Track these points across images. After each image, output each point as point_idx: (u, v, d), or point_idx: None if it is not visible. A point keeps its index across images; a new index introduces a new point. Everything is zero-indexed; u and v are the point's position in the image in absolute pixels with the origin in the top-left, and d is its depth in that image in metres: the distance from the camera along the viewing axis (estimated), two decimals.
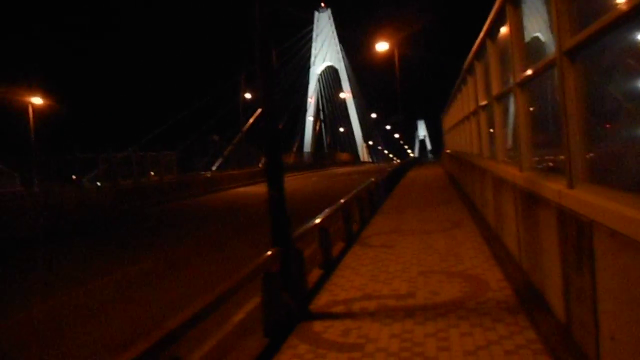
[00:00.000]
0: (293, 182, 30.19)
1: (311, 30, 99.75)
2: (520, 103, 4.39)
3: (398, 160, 53.92)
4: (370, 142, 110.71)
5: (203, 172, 34.76)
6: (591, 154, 2.77)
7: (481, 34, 6.31)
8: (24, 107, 35.37)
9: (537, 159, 4.31)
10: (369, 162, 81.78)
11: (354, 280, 5.21)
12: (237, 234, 10.73)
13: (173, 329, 2.53)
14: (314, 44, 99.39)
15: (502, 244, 5.59)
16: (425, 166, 40.57)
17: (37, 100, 35.34)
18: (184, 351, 2.97)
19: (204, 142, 44.41)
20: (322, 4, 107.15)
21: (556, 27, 2.95)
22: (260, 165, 45.05)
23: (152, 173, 27.62)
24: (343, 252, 6.63)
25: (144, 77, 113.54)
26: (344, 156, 77.73)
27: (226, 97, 47.95)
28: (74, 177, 24.37)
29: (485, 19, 5.75)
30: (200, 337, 3.83)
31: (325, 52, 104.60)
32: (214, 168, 38.15)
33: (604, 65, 2.93)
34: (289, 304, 4.13)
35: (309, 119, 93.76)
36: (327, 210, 6.53)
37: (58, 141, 44.00)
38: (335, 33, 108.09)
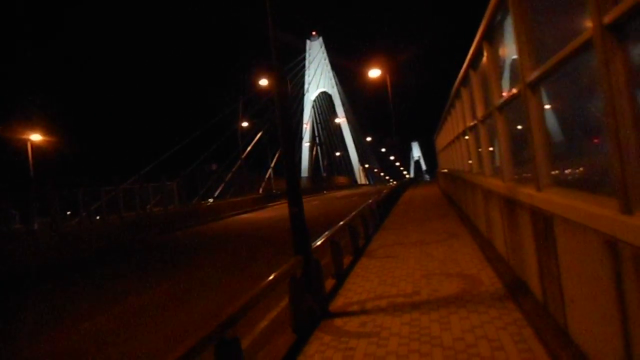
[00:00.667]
0: (308, 204, 30.84)
1: (304, 58, 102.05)
2: (499, 124, 5.17)
3: (394, 182, 54.76)
4: (367, 165, 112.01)
5: (204, 201, 35.39)
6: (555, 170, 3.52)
7: (464, 65, 7.16)
8: (23, 144, 36.18)
9: (516, 173, 5.06)
10: (366, 185, 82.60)
11: (364, 285, 5.89)
12: (249, 257, 11.37)
13: (231, 314, 3.21)
14: (307, 71, 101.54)
15: (493, 248, 6.31)
16: (421, 186, 41.43)
17: (35, 137, 36.19)
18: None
19: (203, 171, 45.19)
20: (314, 33, 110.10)
21: (520, 65, 3.75)
22: (260, 191, 45.83)
23: (148, 206, 28.06)
24: (352, 264, 7.31)
25: (140, 108, 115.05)
26: (342, 180, 78.67)
27: (222, 126, 49.05)
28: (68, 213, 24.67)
29: (469, 48, 6.57)
30: (245, 331, 4.48)
31: (319, 79, 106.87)
32: (215, 195, 38.74)
33: (560, 93, 3.71)
34: (312, 305, 4.80)
35: (305, 144, 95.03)
36: (336, 226, 7.24)
37: (59, 176, 44.50)
38: (327, 60, 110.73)
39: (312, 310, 4.77)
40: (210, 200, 36.20)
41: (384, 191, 18.95)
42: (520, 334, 3.59)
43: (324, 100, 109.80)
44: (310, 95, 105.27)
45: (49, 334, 6.28)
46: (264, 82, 35.40)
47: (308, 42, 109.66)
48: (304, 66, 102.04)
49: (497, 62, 5.31)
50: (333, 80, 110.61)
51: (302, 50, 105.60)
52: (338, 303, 5.26)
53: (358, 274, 6.59)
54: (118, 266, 12.64)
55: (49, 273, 12.59)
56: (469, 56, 6.54)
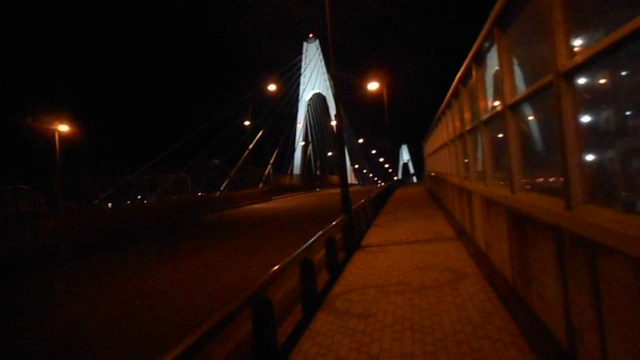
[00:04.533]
0: (303, 199, 34.86)
1: (300, 60, 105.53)
2: (483, 137, 5.93)
3: (382, 183, 57.80)
4: (357, 166, 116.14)
5: (213, 192, 39.05)
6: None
7: (455, 81, 7.99)
8: (50, 134, 39.48)
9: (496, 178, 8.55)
10: (356, 185, 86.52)
11: (376, 236, 9.85)
12: (277, 234, 15.26)
13: (265, 280, 7.11)
14: (302, 73, 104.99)
15: (457, 223, 10.29)
16: (409, 187, 45.60)
17: (63, 128, 39.55)
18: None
19: (205, 165, 48.72)
20: (311, 35, 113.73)
21: (502, 89, 4.50)
22: (260, 185, 49.52)
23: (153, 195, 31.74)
24: (366, 229, 11.24)
25: (148, 103, 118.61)
26: (335, 178, 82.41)
27: (223, 123, 52.62)
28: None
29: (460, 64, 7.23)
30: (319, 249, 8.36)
31: (314, 81, 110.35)
32: (222, 187, 42.32)
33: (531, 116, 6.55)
34: (354, 240, 8.75)
35: (299, 143, 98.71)
36: (358, 203, 11.18)
37: (76, 163, 47.64)
38: (323, 62, 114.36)
39: (354, 242, 8.73)
40: (218, 192, 39.88)
41: (375, 191, 22.09)
42: (459, 250, 7.58)
43: (318, 101, 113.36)
44: (305, 96, 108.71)
45: (157, 271, 10.15)
46: (272, 87, 39.30)
47: (305, 43, 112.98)
48: (299, 67, 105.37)
49: (483, 82, 5.89)
50: (328, 83, 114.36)
51: (299, 52, 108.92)
52: (364, 243, 9.21)
53: (371, 233, 10.56)
54: (170, 239, 16.44)
55: (127, 240, 16.37)
56: (459, 74, 7.34)
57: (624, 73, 2.47)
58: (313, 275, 5.47)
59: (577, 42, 2.83)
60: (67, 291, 8.70)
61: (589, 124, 2.85)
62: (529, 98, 4.00)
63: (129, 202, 25.86)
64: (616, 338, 2.43)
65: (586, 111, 2.80)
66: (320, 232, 6.82)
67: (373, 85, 31.64)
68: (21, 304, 7.86)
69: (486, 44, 5.49)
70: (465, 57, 6.79)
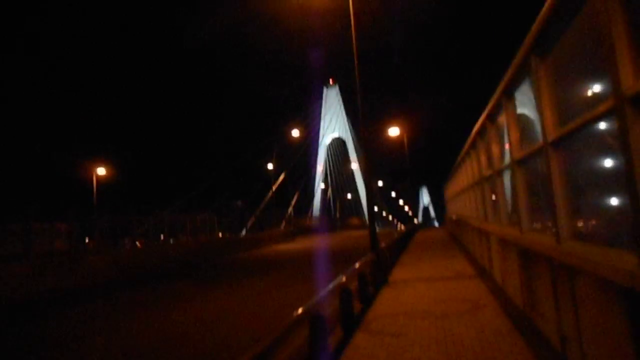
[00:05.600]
0: (325, 240, 35.70)
1: (320, 105, 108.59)
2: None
3: (402, 226, 57.77)
4: (375, 208, 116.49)
5: (239, 233, 40.23)
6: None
7: (482, 117, 7.83)
8: (87, 176, 41.65)
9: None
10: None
11: (403, 273, 10.69)
12: (299, 274, 16.15)
13: (350, 278, 8.07)
14: (322, 117, 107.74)
15: (478, 263, 11.10)
16: (431, 230, 46.03)
17: (101, 171, 41.74)
18: None
19: (229, 207, 50.14)
20: (331, 81, 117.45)
21: (542, 123, 5.24)
22: (282, 226, 50.58)
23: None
24: (392, 265, 12.10)
25: (173, 146, 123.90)
26: (355, 221, 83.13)
27: (247, 166, 54.48)
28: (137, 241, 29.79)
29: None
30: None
31: (334, 125, 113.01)
32: (247, 228, 43.46)
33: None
34: (382, 276, 9.64)
35: (319, 186, 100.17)
36: (386, 243, 12.09)
37: (108, 203, 49.68)
38: (342, 107, 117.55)
39: (382, 279, 9.61)
40: (244, 232, 41.08)
41: (396, 234, 22.55)
42: (478, 285, 8.41)
43: (338, 145, 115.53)
44: (325, 140, 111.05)
45: (201, 302, 11.12)
46: (295, 132, 41.18)
47: (325, 89, 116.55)
48: (319, 113, 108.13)
49: (498, 137, 6.10)
50: (347, 126, 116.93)
51: (319, 97, 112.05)
52: (390, 279, 10.08)
53: (396, 271, 11.41)
54: (206, 276, 17.46)
55: (170, 275, 17.44)
56: (487, 109, 6.85)
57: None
58: (351, 301, 6.41)
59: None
60: (147, 312, 9.76)
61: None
62: (528, 158, 5.05)
63: (162, 239, 27.10)
64: (591, 344, 3.33)
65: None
66: (354, 267, 7.77)
67: (394, 131, 32.99)
68: (98, 325, 8.94)
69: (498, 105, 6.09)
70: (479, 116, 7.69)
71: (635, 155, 2.19)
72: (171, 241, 29.47)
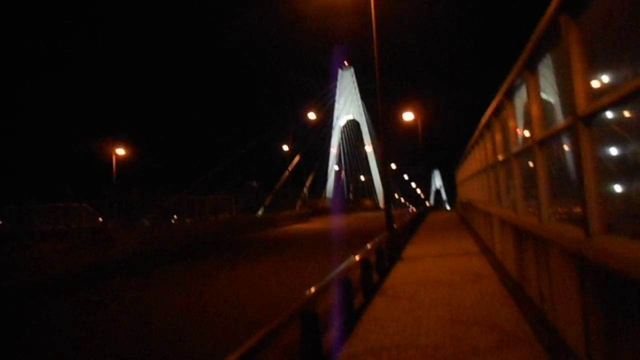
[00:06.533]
0: (340, 221, 36.93)
1: (335, 86, 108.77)
2: (538, 162, 5.04)
3: (414, 209, 58.71)
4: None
5: (255, 213, 41.60)
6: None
7: (487, 114, 8.56)
8: (107, 156, 43.14)
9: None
10: None
11: (415, 250, 11.79)
12: (318, 251, 17.34)
13: (365, 255, 9.18)
14: (337, 99, 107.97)
15: (482, 241, 12.14)
16: (442, 213, 46.98)
17: (120, 151, 43.17)
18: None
19: (244, 187, 51.48)
20: (346, 63, 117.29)
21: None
22: (296, 207, 51.88)
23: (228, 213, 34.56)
24: (405, 243, 13.20)
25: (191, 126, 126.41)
26: (368, 202, 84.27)
27: (262, 147, 55.52)
28: (175, 216, 31.31)
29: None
30: None
31: (349, 107, 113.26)
32: (262, 208, 44.81)
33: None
34: (396, 253, 10.75)
35: (332, 167, 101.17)
36: (400, 223, 13.17)
37: (128, 183, 51.33)
38: (357, 89, 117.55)
39: (397, 255, 10.73)
40: (260, 212, 42.47)
41: (408, 215, 23.72)
42: (481, 261, 9.48)
43: (352, 127, 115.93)
44: (340, 122, 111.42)
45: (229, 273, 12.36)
46: (311, 115, 42.14)
47: (340, 71, 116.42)
48: (334, 94, 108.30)
49: (538, 93, 4.76)
50: (362, 109, 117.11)
51: (335, 78, 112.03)
52: (404, 255, 11.18)
53: (409, 248, 12.51)
54: (231, 253, 18.76)
55: (198, 251, 18.80)
56: (506, 84, 6.26)
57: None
58: (370, 271, 7.53)
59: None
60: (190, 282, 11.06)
61: None
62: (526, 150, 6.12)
63: (188, 220, 28.54)
64: (558, 298, 4.42)
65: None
66: (372, 242, 8.88)
67: (408, 116, 33.76)
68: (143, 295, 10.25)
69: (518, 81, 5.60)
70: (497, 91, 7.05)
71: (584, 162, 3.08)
72: (187, 221, 30.93)
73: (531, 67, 4.78)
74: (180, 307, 9.73)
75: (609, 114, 2.98)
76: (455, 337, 4.72)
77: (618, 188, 3.32)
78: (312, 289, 4.73)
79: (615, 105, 2.69)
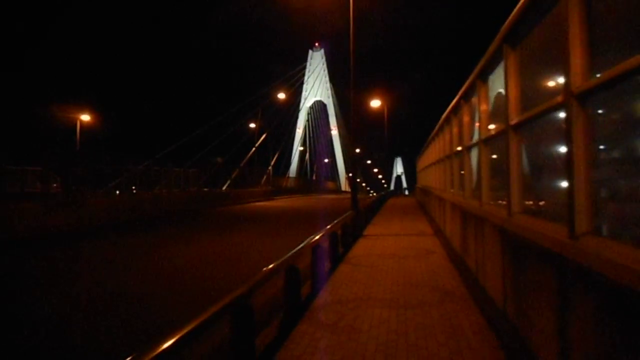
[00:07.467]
0: (304, 200, 38.01)
1: (304, 67, 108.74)
2: (482, 156, 6.12)
3: (374, 193, 59.69)
4: (350, 174, 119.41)
5: (219, 189, 41.98)
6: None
7: (457, 97, 8.26)
8: (72, 122, 42.26)
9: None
10: (349, 192, 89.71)
11: (375, 230, 12.96)
12: (288, 226, 18.33)
13: (335, 228, 10.24)
14: (306, 79, 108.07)
15: (436, 223, 13.45)
16: (401, 198, 48.88)
17: (85, 117, 42.40)
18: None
19: (209, 163, 51.56)
20: (317, 44, 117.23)
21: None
22: (262, 185, 52.46)
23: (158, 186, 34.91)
24: (366, 224, 14.37)
25: (159, 98, 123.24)
26: (330, 184, 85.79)
27: (228, 124, 55.57)
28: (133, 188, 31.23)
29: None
30: None
31: (317, 88, 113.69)
32: (226, 185, 45.17)
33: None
34: (359, 231, 11.87)
35: (297, 148, 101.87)
36: (365, 202, 14.30)
37: (91, 151, 50.36)
38: (326, 71, 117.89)
39: (359, 234, 11.84)
40: (224, 188, 42.84)
41: (368, 200, 24.98)
42: (434, 240, 10.72)
43: (319, 109, 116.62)
44: (307, 103, 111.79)
45: (202, 241, 13.21)
46: (281, 95, 42.65)
47: (310, 52, 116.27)
48: (303, 74, 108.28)
49: (487, 100, 5.75)
50: (330, 92, 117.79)
51: (304, 60, 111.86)
52: (365, 233, 12.32)
53: (370, 228, 13.68)
54: (202, 222, 19.46)
55: (161, 221, 19.35)
56: (462, 89, 7.36)
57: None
58: (337, 243, 8.58)
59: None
60: (148, 252, 11.78)
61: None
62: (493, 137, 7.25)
63: (152, 190, 28.79)
64: (487, 265, 5.59)
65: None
66: (339, 219, 9.93)
67: (376, 103, 34.93)
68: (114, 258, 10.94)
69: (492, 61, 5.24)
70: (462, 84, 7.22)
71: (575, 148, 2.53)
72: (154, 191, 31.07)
73: (512, 42, 4.20)
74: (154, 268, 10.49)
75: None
76: (407, 293, 5.84)
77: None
78: (295, 250, 5.70)
79: (621, 81, 2.15)
